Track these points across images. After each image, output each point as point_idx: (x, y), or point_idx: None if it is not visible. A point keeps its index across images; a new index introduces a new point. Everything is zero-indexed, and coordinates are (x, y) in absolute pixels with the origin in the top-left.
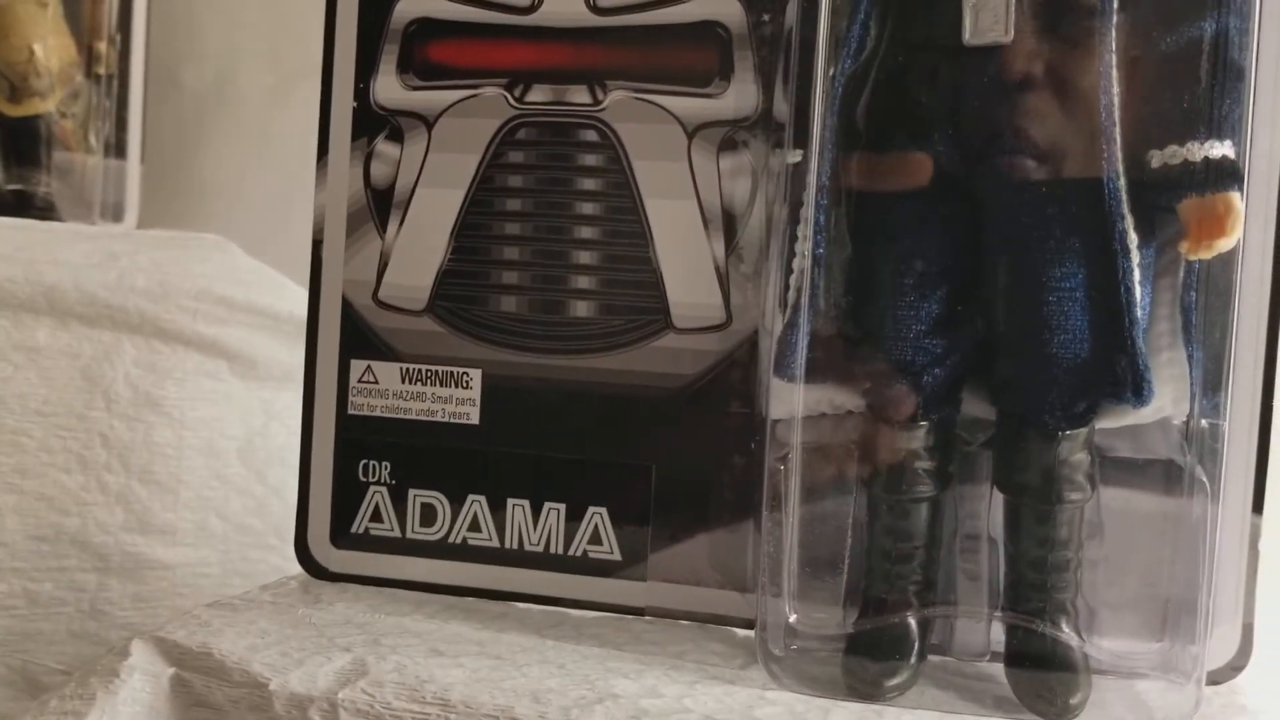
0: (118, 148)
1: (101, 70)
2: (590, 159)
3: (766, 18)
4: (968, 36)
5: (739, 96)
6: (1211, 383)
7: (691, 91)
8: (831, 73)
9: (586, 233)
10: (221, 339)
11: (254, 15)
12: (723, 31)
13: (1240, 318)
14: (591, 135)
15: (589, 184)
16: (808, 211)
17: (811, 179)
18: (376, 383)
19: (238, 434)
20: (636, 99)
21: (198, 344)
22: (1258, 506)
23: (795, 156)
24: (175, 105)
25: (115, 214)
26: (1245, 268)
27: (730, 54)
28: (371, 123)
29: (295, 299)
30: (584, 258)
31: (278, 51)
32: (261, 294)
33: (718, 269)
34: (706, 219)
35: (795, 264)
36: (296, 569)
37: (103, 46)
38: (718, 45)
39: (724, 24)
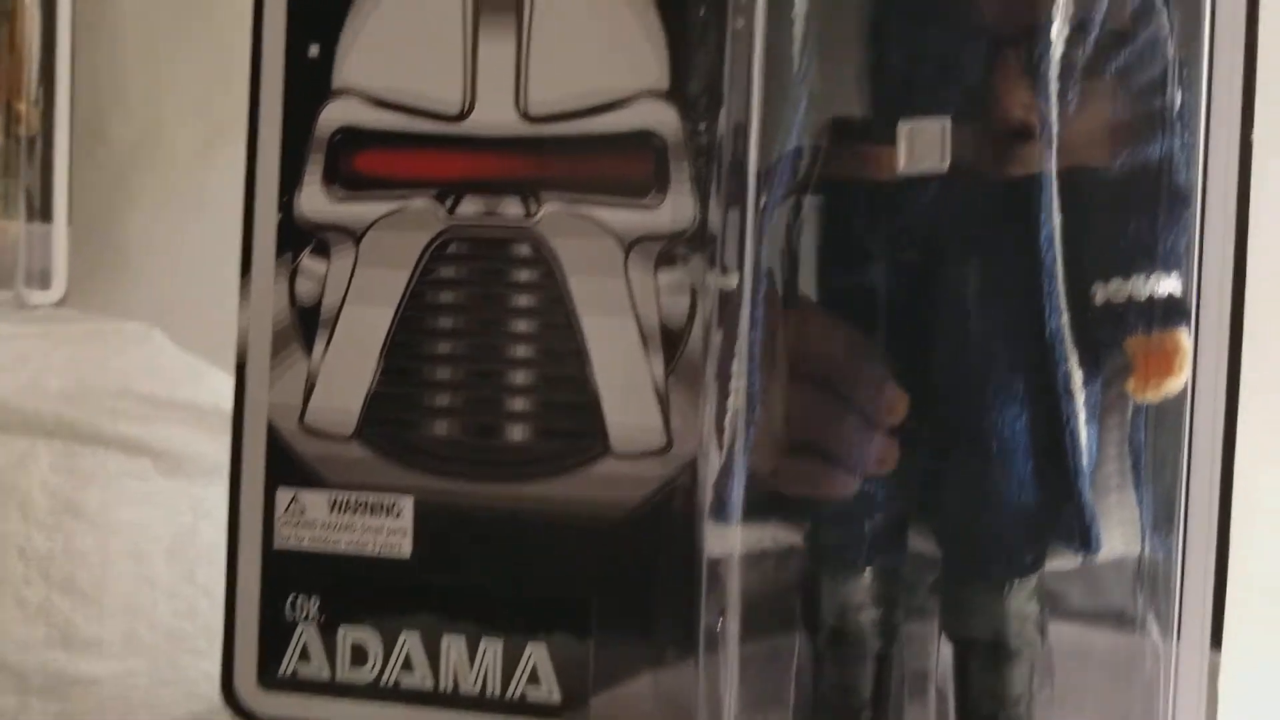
0: (43, 211)
1: (23, 131)
2: (524, 274)
3: (703, 127)
4: (902, 166)
5: (676, 209)
6: (1164, 520)
7: (627, 203)
8: (763, 201)
9: (521, 352)
10: (145, 438)
11: (183, 69)
12: (658, 141)
13: (1194, 453)
14: (525, 249)
15: (523, 300)
16: (740, 346)
17: (745, 312)
18: (304, 513)
19: (164, 534)
20: (571, 211)
21: (119, 444)
22: (1215, 643)
23: (729, 281)
24: (103, 162)
25: (42, 281)
26: (1197, 402)
27: (666, 164)
28: (296, 237)
29: (222, 390)
30: (519, 378)
31: (207, 106)
32: (186, 387)
33: (658, 390)
34: (645, 337)
35: (730, 403)
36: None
37: (23, 107)
38: (653, 155)
39: (659, 133)
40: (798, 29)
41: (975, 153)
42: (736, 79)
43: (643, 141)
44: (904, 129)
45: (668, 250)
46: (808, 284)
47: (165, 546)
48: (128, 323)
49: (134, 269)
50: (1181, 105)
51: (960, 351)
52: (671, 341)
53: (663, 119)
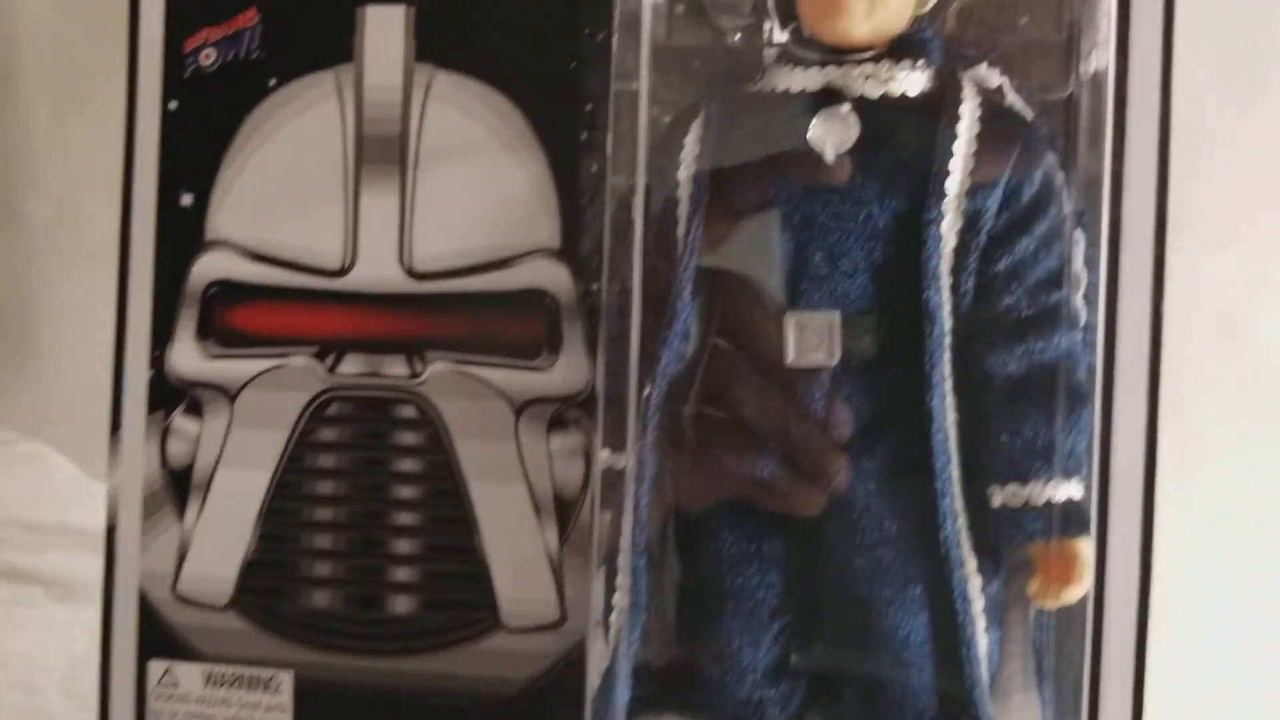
0: None
1: None
2: (409, 437)
3: (596, 286)
4: (790, 358)
5: (568, 370)
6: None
7: (517, 364)
8: (649, 387)
9: (406, 519)
10: (35, 566)
11: (99, 146)
12: (550, 301)
13: (1102, 654)
14: (410, 411)
15: (408, 465)
16: (625, 541)
17: (630, 505)
18: (177, 686)
19: (58, 664)
20: (458, 372)
21: (8, 574)
22: None
23: (617, 462)
24: (15, 238)
25: None
26: (1107, 606)
27: (559, 324)
28: (168, 395)
29: None
30: (404, 547)
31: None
32: (79, 511)
33: (551, 561)
34: (537, 505)
35: (615, 600)
36: None
37: None
38: (545, 315)
39: (551, 292)
40: (683, 205)
41: (866, 347)
42: (617, 245)
43: (533, 301)
44: (791, 320)
45: (560, 414)
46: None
47: (59, 678)
48: (18, 442)
49: (46, 348)
50: (1085, 292)
51: (855, 552)
52: (565, 509)
53: (554, 278)
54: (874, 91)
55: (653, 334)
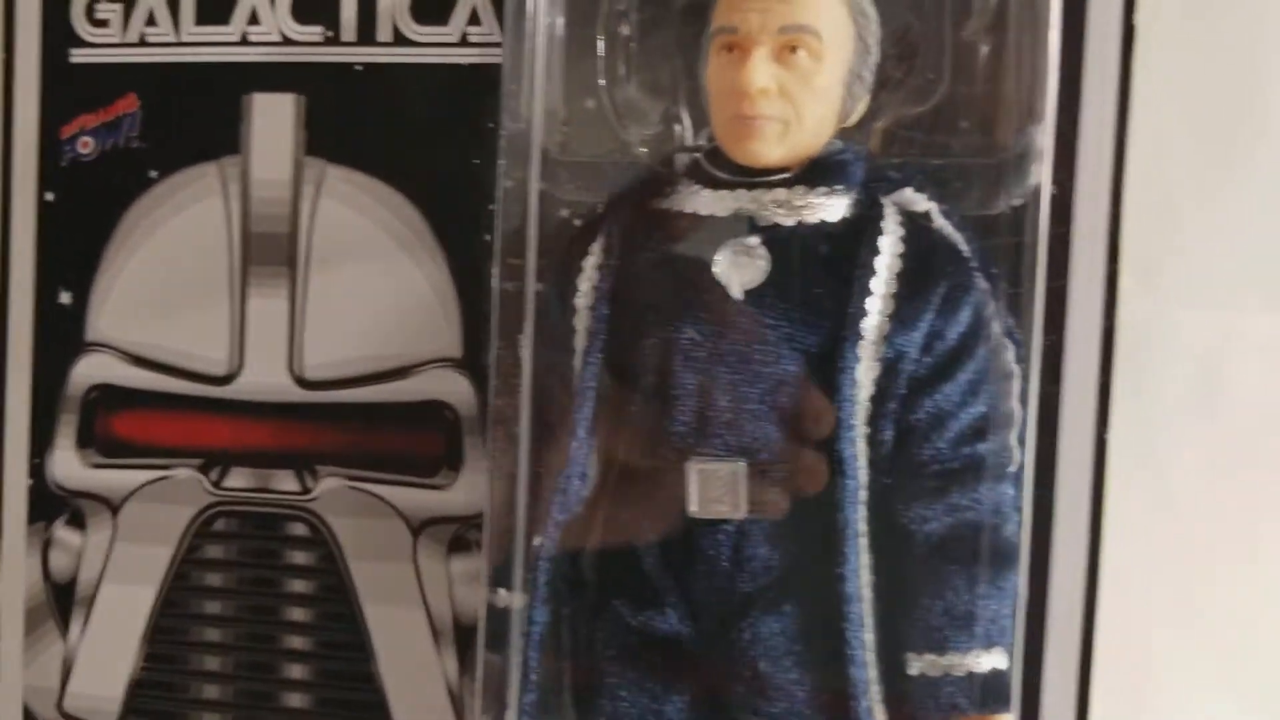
0: None
1: None
2: (300, 556)
3: (501, 401)
4: (694, 508)
5: (470, 489)
6: None
7: (415, 481)
8: (539, 542)
9: (297, 643)
10: None
11: None
12: (449, 413)
13: None
14: (301, 529)
15: (299, 586)
16: (512, 696)
17: (517, 661)
18: None
19: None
20: (352, 488)
21: None
22: None
23: (508, 600)
24: None
25: None
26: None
27: (459, 439)
28: (49, 504)
29: None
30: (295, 672)
31: None
32: None
33: (450, 689)
34: (436, 630)
35: None
36: None
37: None
38: (444, 429)
39: (451, 405)
40: (579, 336)
41: (773, 499)
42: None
43: (432, 414)
44: (694, 468)
45: (461, 535)
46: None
47: None
48: None
49: None
50: (1019, 431)
51: (762, 713)
52: (466, 637)
53: (455, 389)
54: (787, 220)
55: (549, 470)
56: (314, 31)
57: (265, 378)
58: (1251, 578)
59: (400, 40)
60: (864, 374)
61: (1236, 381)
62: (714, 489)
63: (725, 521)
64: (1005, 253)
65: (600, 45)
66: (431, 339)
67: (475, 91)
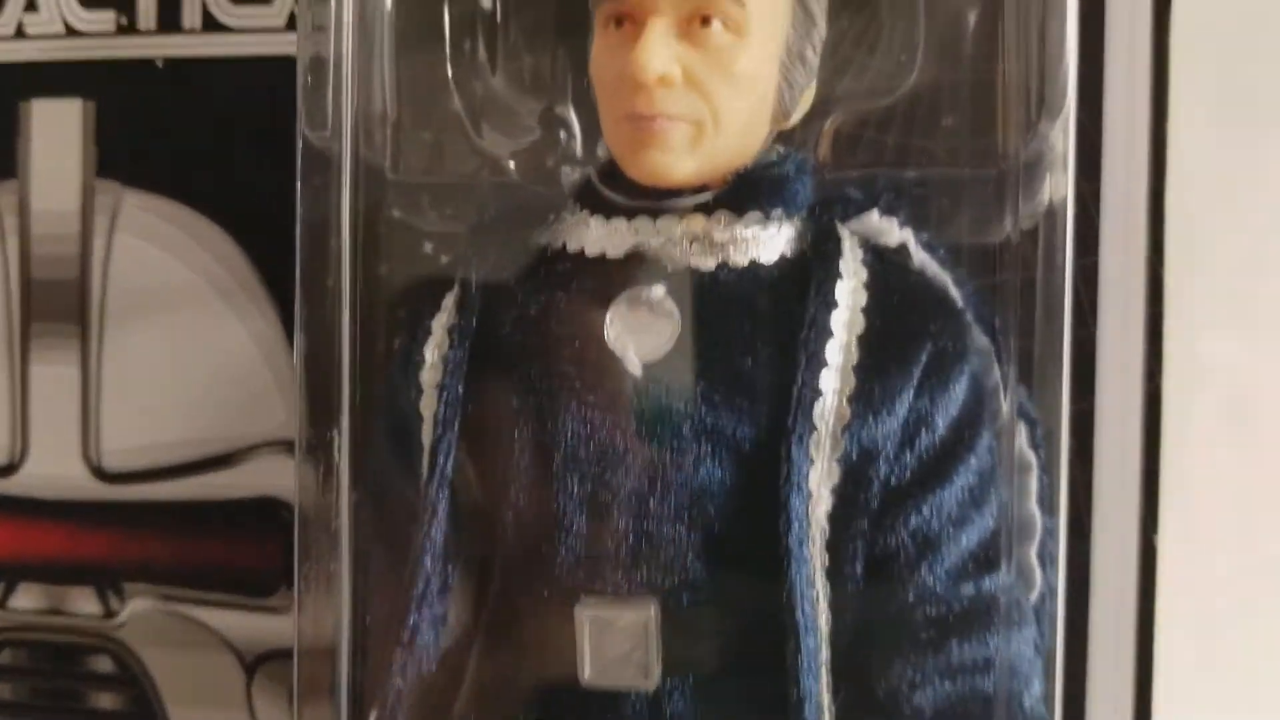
0: None
1: None
2: (105, 699)
3: (355, 496)
4: (587, 675)
5: (316, 612)
6: None
7: (246, 603)
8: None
9: None
10: None
11: None
12: (286, 514)
13: None
14: (106, 663)
15: None
16: None
17: None
18: None
19: None
20: (168, 611)
21: None
22: None
23: None
24: None
25: None
26: None
27: (306, 547)
28: None
29: None
30: None
31: None
32: None
33: None
34: None
35: None
36: None
37: None
38: (280, 534)
39: (288, 502)
40: (426, 429)
41: (700, 659)
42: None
43: (265, 514)
44: (586, 616)
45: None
46: None
47: None
48: None
49: None
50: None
51: None
52: None
53: (292, 482)
54: (705, 261)
55: (387, 616)
56: (104, 19)
57: (55, 468)
58: None
59: (212, 25)
60: (818, 481)
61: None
62: (614, 645)
63: (630, 693)
64: (1011, 295)
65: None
66: (261, 415)
67: None
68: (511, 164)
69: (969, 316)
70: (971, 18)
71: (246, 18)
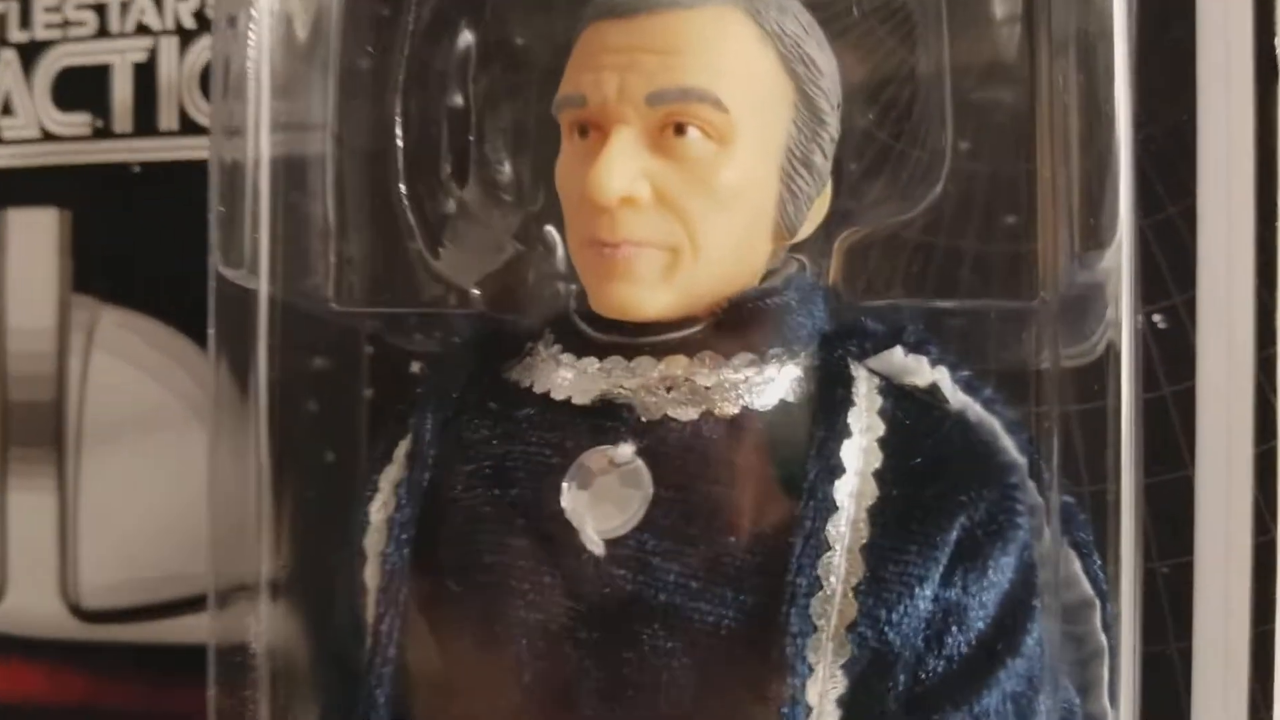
0: None
1: None
2: None
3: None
4: None
5: None
6: None
7: None
8: None
9: None
10: None
11: None
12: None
13: None
14: None
15: None
16: None
17: None
18: None
19: None
20: None
21: None
22: None
23: None
24: None
25: None
26: None
27: (290, 699)
28: None
29: None
30: None
31: None
32: None
33: None
34: None
35: None
36: None
37: None
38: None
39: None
40: (370, 603)
41: None
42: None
43: (246, 660)
44: None
45: None
46: None
47: None
48: None
49: None
50: None
51: None
52: None
53: (278, 628)
54: (685, 411)
55: None
56: (79, 122)
57: (33, 604)
58: None
59: (190, 128)
60: (820, 692)
61: None
62: None
63: None
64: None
65: (398, 130)
66: (245, 552)
67: None
68: (476, 291)
69: (1021, 474)
70: (1002, 113)
71: (292, 110)
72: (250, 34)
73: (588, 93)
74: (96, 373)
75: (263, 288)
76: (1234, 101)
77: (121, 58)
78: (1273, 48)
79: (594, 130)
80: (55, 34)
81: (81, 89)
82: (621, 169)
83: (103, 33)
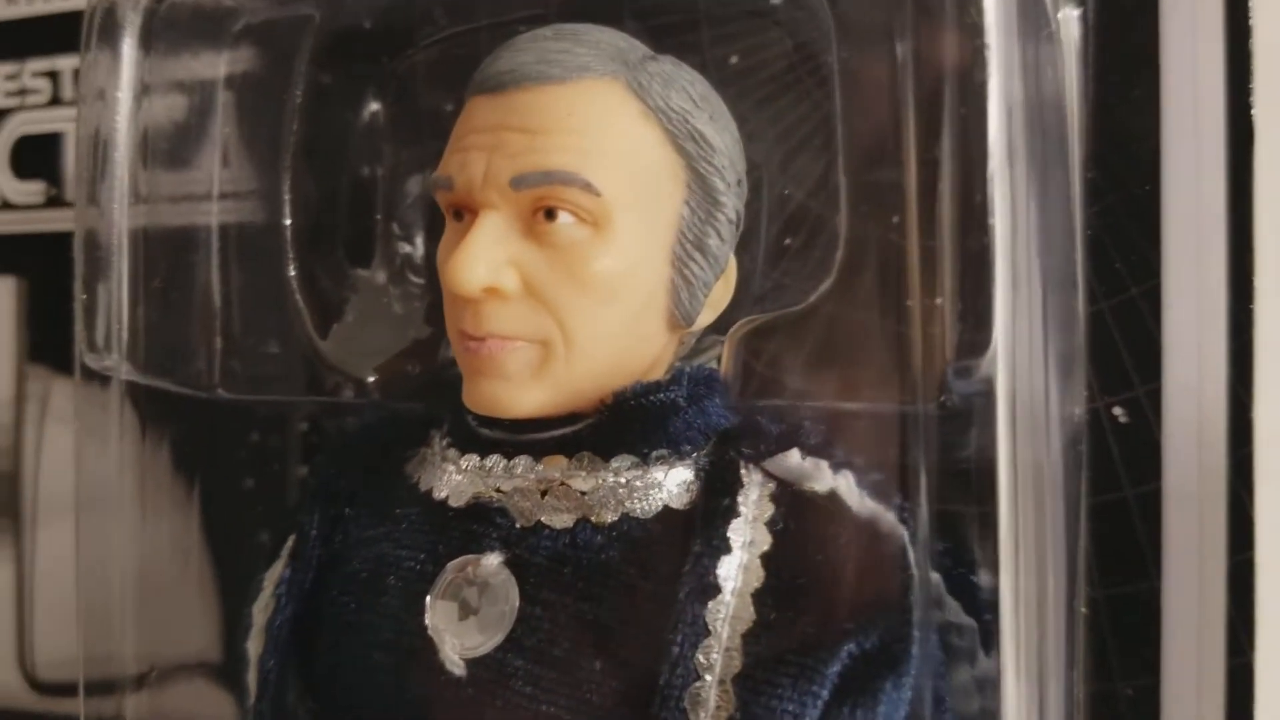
0: None
1: None
2: None
3: None
4: None
5: None
6: None
7: None
8: None
9: None
10: None
11: None
12: None
13: None
14: None
15: None
16: None
17: None
18: None
19: None
20: None
21: None
22: None
23: None
24: None
25: None
26: None
27: None
28: None
29: None
30: None
31: None
32: None
33: None
34: None
35: None
36: None
37: None
38: None
39: None
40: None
41: None
42: None
43: None
44: None
45: None
46: None
47: None
48: None
49: None
50: None
51: None
52: None
53: (216, 711)
54: (560, 517)
55: None
56: (34, 190)
57: None
58: None
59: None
60: None
61: None
62: None
63: None
64: None
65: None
66: (186, 635)
67: None
68: (372, 378)
69: (929, 593)
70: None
71: (174, 184)
72: (119, 105)
73: (454, 175)
74: (50, 444)
75: (118, 374)
76: (1205, 168)
77: (73, 125)
78: (1248, 106)
79: (467, 214)
80: (14, 101)
81: (36, 157)
82: (484, 256)
83: (55, 100)
